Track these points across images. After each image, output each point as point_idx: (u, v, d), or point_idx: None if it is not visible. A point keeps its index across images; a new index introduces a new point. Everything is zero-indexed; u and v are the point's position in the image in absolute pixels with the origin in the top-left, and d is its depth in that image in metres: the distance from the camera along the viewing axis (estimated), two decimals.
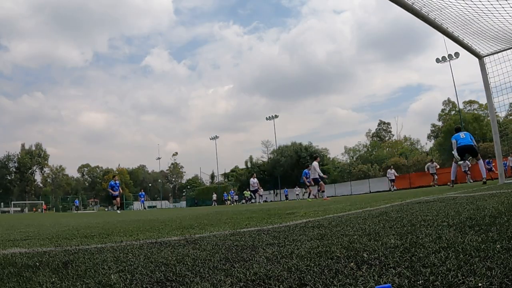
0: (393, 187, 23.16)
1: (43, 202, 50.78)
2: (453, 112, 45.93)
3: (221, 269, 1.26)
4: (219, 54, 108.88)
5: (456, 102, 38.36)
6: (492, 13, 5.81)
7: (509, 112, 36.43)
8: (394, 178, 23.25)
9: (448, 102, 48.00)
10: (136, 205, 53.76)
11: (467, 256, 1.12)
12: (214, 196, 41.60)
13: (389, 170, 23.94)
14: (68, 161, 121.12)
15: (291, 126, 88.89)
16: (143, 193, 31.07)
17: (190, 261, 1.45)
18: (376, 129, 62.81)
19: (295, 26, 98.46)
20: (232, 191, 43.38)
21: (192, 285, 1.08)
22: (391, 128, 62.29)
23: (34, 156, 68.28)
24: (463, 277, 0.92)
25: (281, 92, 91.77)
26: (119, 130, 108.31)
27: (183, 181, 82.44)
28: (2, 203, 48.50)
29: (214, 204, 38.14)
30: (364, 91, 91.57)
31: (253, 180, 21.65)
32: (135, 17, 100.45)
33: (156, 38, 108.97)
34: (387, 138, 61.61)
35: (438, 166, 20.43)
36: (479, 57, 8.18)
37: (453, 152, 9.45)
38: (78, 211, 36.97)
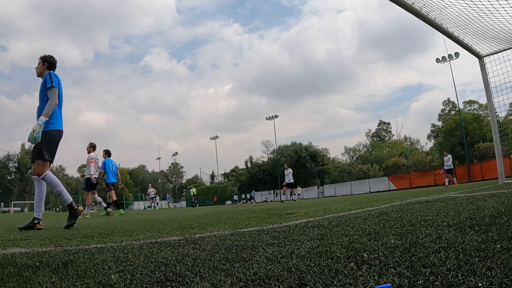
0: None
1: None
2: (453, 112, 45.88)
3: (221, 269, 1.26)
4: (219, 54, 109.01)
5: (456, 102, 38.38)
6: (492, 13, 5.82)
7: (509, 112, 36.43)
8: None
9: (448, 102, 47.97)
10: (136, 205, 53.63)
11: (467, 256, 1.13)
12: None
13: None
14: (68, 161, 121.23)
15: (291, 126, 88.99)
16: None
17: (190, 261, 1.45)
18: (376, 129, 62.81)
19: (296, 24, 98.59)
20: (168, 196, 43.07)
21: (192, 285, 1.08)
22: (391, 128, 62.28)
23: None
24: (463, 277, 0.92)
25: (281, 92, 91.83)
26: (119, 129, 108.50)
27: (183, 181, 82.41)
28: (2, 203, 48.47)
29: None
30: (364, 91, 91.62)
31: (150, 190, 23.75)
32: (137, 16, 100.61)
33: (156, 38, 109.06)
34: (387, 138, 61.60)
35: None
36: (479, 57, 8.19)
37: None
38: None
